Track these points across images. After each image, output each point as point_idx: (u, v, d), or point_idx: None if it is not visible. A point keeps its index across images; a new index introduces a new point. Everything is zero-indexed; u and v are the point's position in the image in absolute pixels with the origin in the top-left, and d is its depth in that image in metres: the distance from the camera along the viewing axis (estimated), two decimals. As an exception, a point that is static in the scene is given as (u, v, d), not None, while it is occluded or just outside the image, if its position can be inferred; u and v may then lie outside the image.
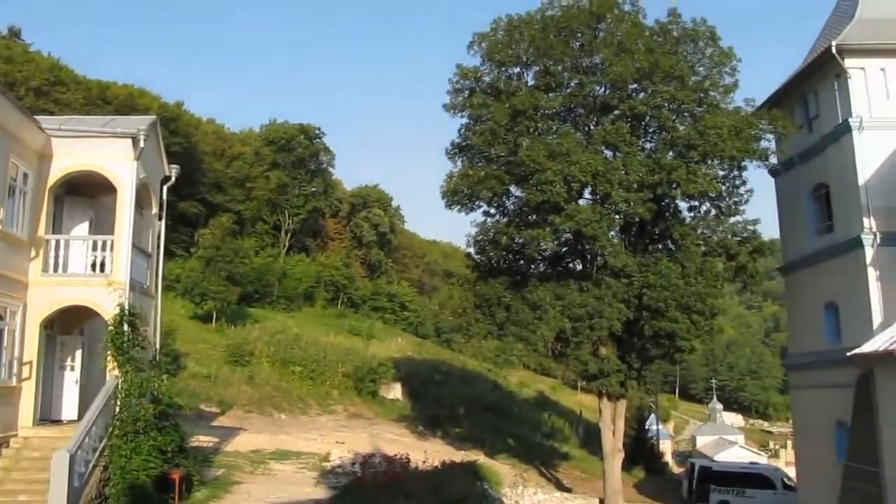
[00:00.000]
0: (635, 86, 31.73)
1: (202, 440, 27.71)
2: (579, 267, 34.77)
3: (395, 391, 55.92)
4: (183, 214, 68.13)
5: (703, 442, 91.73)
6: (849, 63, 28.01)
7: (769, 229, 34.88)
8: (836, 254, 28.59)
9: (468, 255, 38.22)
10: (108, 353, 20.23)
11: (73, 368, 22.98)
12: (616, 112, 32.13)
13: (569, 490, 37.63)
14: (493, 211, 35.18)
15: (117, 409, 19.58)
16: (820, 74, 29.97)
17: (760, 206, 35.19)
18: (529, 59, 33.10)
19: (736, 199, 32.36)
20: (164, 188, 25.18)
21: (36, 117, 21.52)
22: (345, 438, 36.03)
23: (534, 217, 32.78)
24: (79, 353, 23.13)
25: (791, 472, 39.69)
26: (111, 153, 21.30)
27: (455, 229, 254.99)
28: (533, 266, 35.82)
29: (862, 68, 28.08)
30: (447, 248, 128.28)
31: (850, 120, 27.73)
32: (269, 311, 69.24)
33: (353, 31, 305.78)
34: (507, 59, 33.22)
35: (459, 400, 57.15)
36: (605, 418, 33.84)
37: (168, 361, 33.20)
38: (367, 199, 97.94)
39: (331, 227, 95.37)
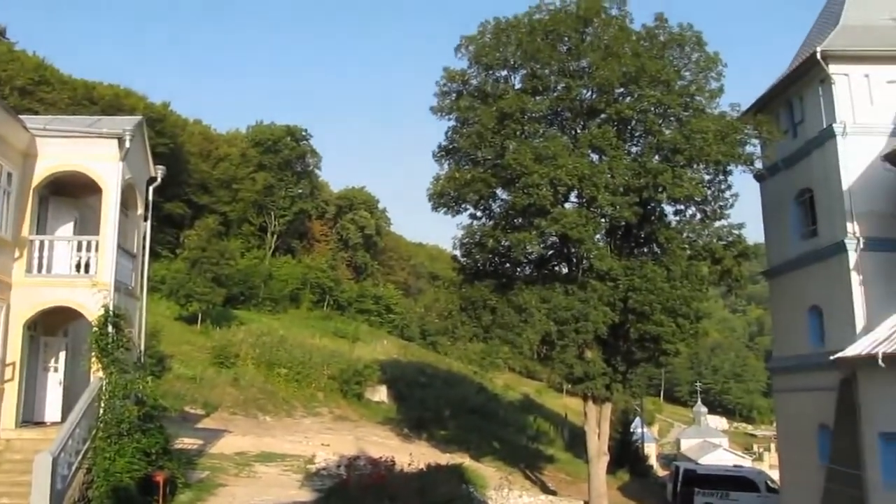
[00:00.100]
0: (622, 90, 31.83)
1: (187, 442, 27.58)
2: (565, 270, 34.85)
3: (381, 393, 55.85)
4: (169, 215, 67.84)
5: (687, 445, 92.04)
6: (833, 69, 28.20)
7: (754, 233, 35.02)
8: (820, 258, 28.77)
9: (454, 258, 38.30)
10: (93, 354, 20.10)
11: (56, 370, 22.79)
12: (602, 116, 32.22)
13: (554, 493, 37.70)
14: (479, 214, 35.29)
15: (101, 411, 19.44)
16: (805, 80, 30.15)
17: (745, 210, 35.41)
18: (517, 62, 33.19)
19: (721, 204, 32.58)
20: (150, 189, 25.09)
21: (21, 117, 21.39)
22: (330, 441, 35.96)
23: (520, 220, 32.85)
24: (62, 355, 22.96)
25: (774, 474, 39.82)
26: (97, 153, 21.19)
27: (441, 232, 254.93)
28: (519, 269, 35.91)
29: (846, 74, 28.28)
30: (433, 250, 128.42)
31: (834, 125, 27.91)
32: (254, 313, 69.02)
33: (340, 33, 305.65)
34: (495, 63, 33.29)
35: (445, 402, 57.19)
36: (591, 421, 33.89)
37: (153, 363, 33.12)
38: (353, 202, 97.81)
39: (317, 228, 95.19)
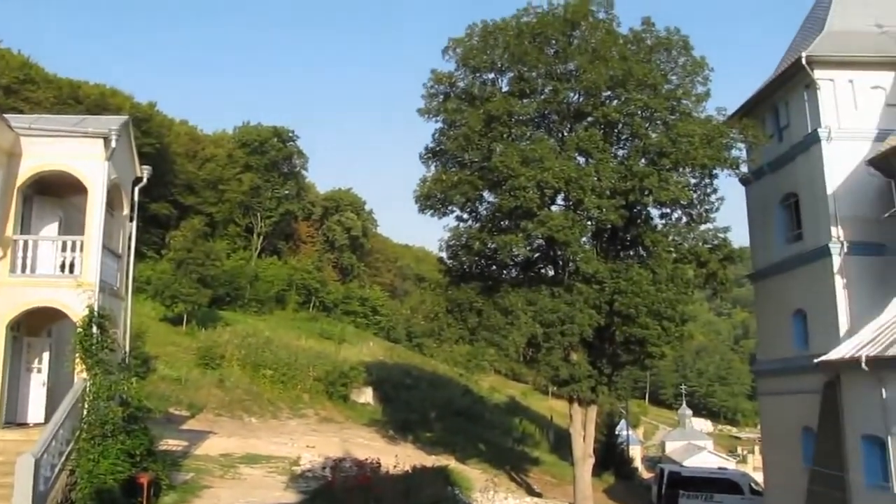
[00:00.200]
0: (609, 93, 31.90)
1: (171, 444, 27.43)
2: (551, 273, 34.88)
3: (367, 395, 55.78)
4: (154, 216, 67.59)
5: (672, 447, 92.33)
6: (818, 74, 28.39)
7: (739, 237, 35.19)
8: (805, 262, 28.94)
9: (440, 260, 38.26)
10: (77, 355, 19.94)
11: (39, 371, 22.59)
12: (589, 119, 32.29)
13: (539, 495, 37.69)
14: (465, 216, 35.32)
15: (85, 412, 19.29)
16: (790, 85, 30.34)
17: (731, 214, 35.61)
18: (504, 65, 33.23)
19: (707, 207, 32.68)
20: (136, 189, 24.95)
21: (5, 115, 21.21)
22: (315, 442, 35.86)
23: (506, 222, 32.87)
24: (46, 356, 22.77)
25: (759, 477, 40.07)
26: (82, 153, 21.04)
27: (428, 234, 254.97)
28: (505, 271, 35.93)
29: (831, 80, 28.47)
30: (419, 252, 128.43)
31: (819, 130, 28.08)
32: (240, 314, 68.82)
33: (328, 34, 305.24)
34: (482, 65, 33.32)
35: (430, 404, 57.17)
36: (576, 424, 33.94)
37: (137, 364, 32.93)
38: (339, 203, 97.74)
39: (303, 230, 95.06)
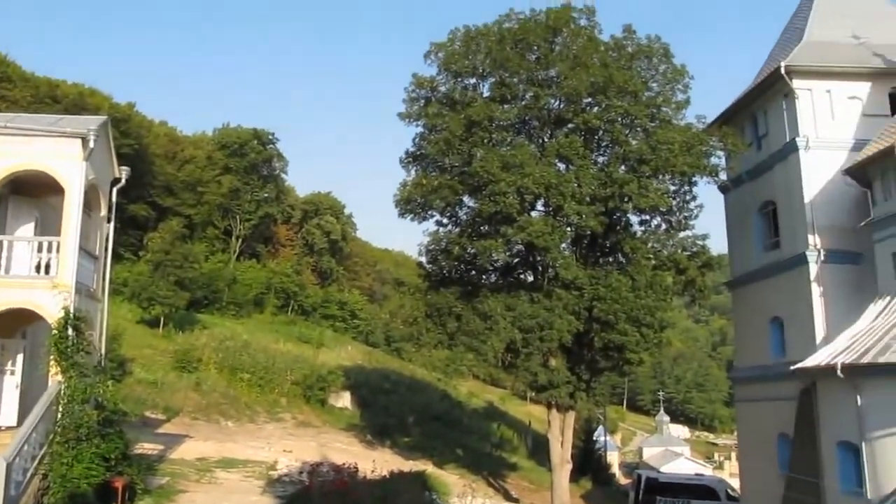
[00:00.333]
0: (589, 100, 31.95)
1: (147, 448, 27.24)
2: (530, 278, 34.94)
3: (345, 400, 55.60)
4: (132, 217, 67.18)
5: (649, 453, 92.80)
6: (797, 84, 28.65)
7: (718, 244, 35.43)
8: (782, 270, 29.16)
9: (420, 265, 38.19)
10: (51, 357, 19.72)
11: (13, 373, 22.29)
12: (570, 125, 32.35)
13: (516, 500, 37.76)
14: (445, 220, 35.25)
15: (59, 416, 19.08)
16: (769, 94, 30.59)
17: (710, 221, 35.82)
18: (485, 70, 33.23)
19: (686, 214, 32.84)
20: (114, 190, 24.70)
21: (-19, 114, 21.02)
22: (292, 447, 35.66)
23: (486, 227, 32.89)
24: (20, 357, 22.47)
25: (735, 483, 40.24)
26: (59, 153, 20.80)
27: (407, 238, 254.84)
28: (484, 276, 35.95)
29: (809, 89, 28.74)
30: (399, 256, 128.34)
31: (797, 139, 28.33)
32: (217, 318, 68.46)
33: (309, 37, 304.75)
34: (464, 70, 33.32)
35: (409, 409, 57.06)
36: (554, 429, 33.96)
37: (113, 367, 32.58)
38: (319, 207, 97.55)
39: (282, 233, 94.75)
